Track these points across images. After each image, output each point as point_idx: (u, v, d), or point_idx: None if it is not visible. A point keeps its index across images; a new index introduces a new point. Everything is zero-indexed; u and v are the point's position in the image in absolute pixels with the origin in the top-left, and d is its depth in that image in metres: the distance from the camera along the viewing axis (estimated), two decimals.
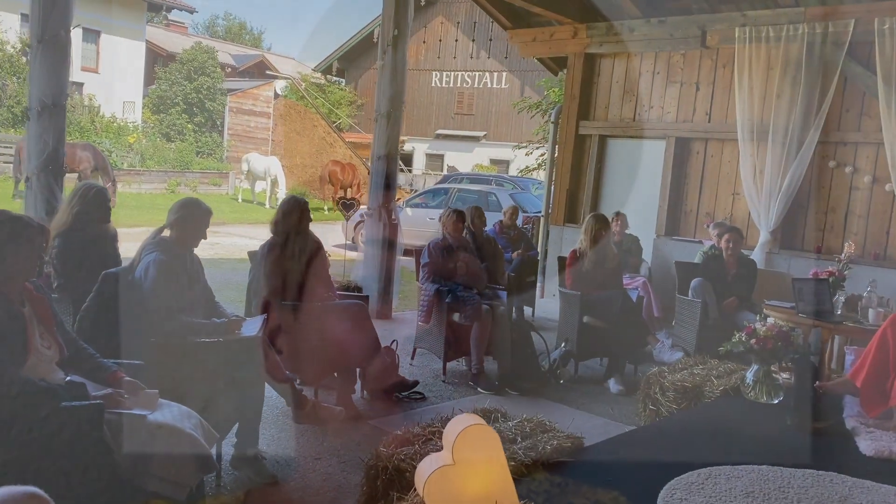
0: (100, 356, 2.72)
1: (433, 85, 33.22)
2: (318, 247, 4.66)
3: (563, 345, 5.67)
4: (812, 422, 3.78)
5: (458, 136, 31.93)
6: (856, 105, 7.33)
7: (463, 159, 30.43)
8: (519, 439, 3.20)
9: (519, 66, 31.40)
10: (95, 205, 4.01)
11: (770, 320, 4.30)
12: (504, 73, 31.92)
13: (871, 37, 6.99)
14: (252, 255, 4.56)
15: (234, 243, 13.02)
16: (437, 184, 14.23)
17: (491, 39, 31.93)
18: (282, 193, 19.95)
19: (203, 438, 2.60)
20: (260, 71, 33.93)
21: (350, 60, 35.47)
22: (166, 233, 3.57)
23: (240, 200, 20.83)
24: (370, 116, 35.68)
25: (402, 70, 7.12)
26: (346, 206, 8.60)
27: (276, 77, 30.41)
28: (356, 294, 5.39)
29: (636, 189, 8.77)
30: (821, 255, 7.39)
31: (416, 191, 27.36)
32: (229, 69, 31.52)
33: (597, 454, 3.29)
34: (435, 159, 32.56)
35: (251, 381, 3.42)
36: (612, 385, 5.39)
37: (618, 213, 7.74)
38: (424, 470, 2.47)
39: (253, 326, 3.61)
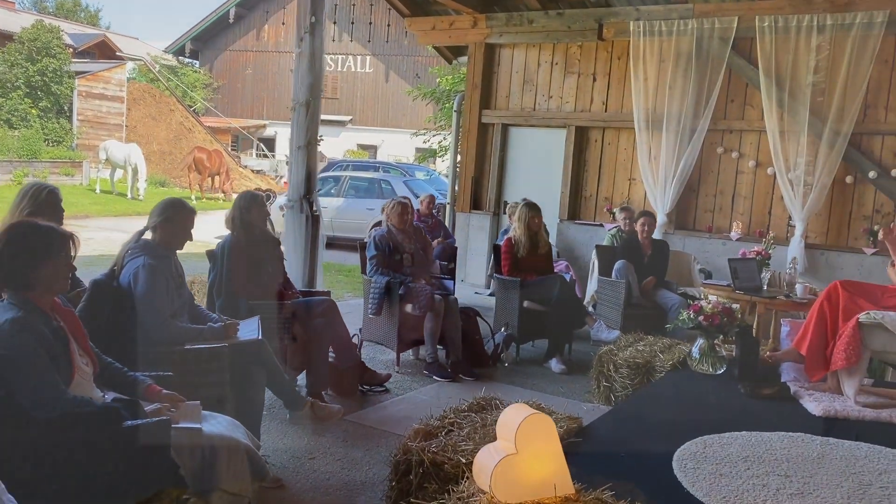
0: (128, 369, 2.56)
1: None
2: (277, 243, 4.55)
3: (502, 329, 5.86)
4: (761, 389, 4.20)
5: (323, 120, 31.37)
6: (740, 95, 8.02)
7: (330, 144, 29.94)
8: None
9: (383, 51, 31.36)
10: (48, 206, 3.69)
11: (713, 298, 4.70)
12: (368, 57, 31.75)
13: (752, 33, 7.67)
14: (211, 254, 4.37)
15: (108, 238, 12.21)
16: (323, 171, 14.00)
17: (353, 23, 31.64)
18: (143, 183, 18.85)
19: (253, 446, 2.53)
20: (102, 52, 31.58)
21: (204, 41, 33.92)
22: (148, 235, 3.38)
23: (98, 191, 19.45)
24: (228, 100, 34.30)
25: (320, 57, 6.99)
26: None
27: (124, 59, 28.49)
28: (319, 291, 5.29)
29: (539, 176, 9.12)
30: (712, 234, 8.08)
31: (281, 177, 26.71)
32: (70, 49, 29.18)
33: (598, 433, 3.49)
34: None
35: (254, 384, 3.33)
36: (555, 365, 5.65)
37: (524, 200, 8.05)
38: (486, 461, 2.55)
39: (250, 328, 3.50)
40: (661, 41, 8.17)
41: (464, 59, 10.66)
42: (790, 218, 7.68)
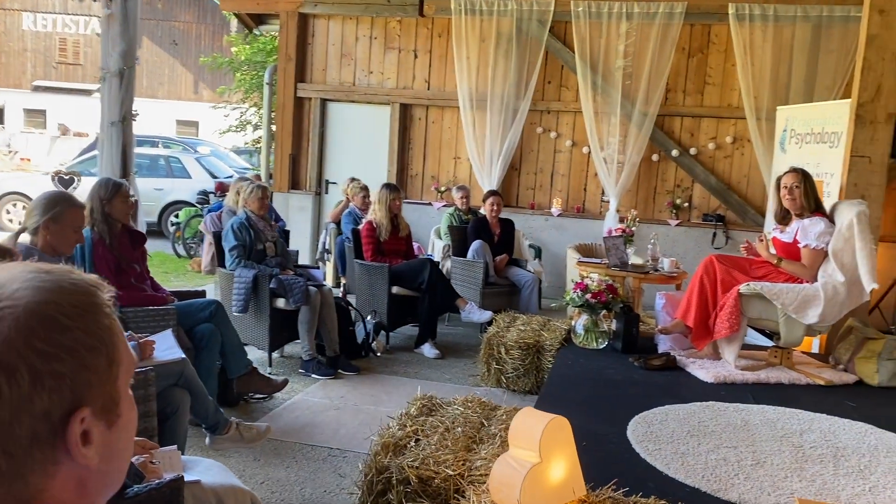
0: None
1: (25, 28, 28.39)
2: (143, 238, 3.88)
3: (369, 317, 5.61)
4: (651, 360, 4.44)
5: (65, 88, 27.90)
6: (556, 77, 8.39)
7: (78, 116, 26.72)
8: (484, 422, 3.19)
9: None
10: None
11: (594, 276, 4.86)
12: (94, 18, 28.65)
13: (568, 17, 8.04)
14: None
15: None
16: (89, 149, 12.36)
17: None
18: None
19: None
20: None
21: None
22: (25, 238, 2.68)
23: None
24: None
25: (134, 21, 6.07)
26: (65, 181, 7.08)
27: None
28: (194, 291, 4.58)
29: (363, 154, 8.85)
30: (534, 210, 8.42)
31: (15, 151, 23.30)
32: None
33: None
34: (36, 115, 28.03)
35: (181, 410, 2.79)
36: (428, 350, 5.53)
37: (352, 179, 7.77)
38: (509, 475, 2.38)
39: (167, 345, 2.91)
40: (482, 20, 8.27)
41: (266, 27, 9.99)
42: (604, 193, 8.24)
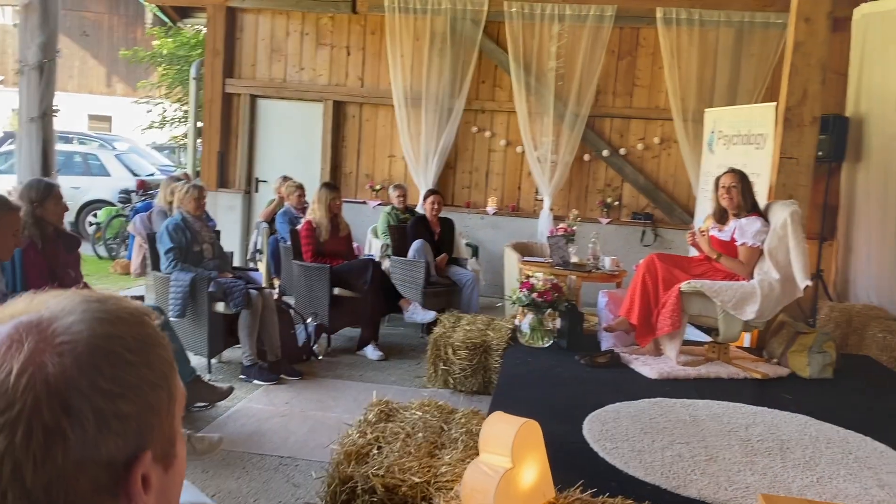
0: None
1: None
2: (77, 242, 3.68)
3: (309, 320, 5.49)
4: (596, 358, 4.51)
5: None
6: (490, 77, 8.42)
7: None
8: (444, 427, 3.16)
9: None
10: None
11: (539, 275, 4.90)
12: (8, 8, 27.13)
13: (502, 17, 8.08)
14: None
15: None
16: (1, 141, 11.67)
17: None
18: None
19: None
20: None
21: None
22: None
23: None
24: None
25: (55, 11, 5.73)
26: None
27: None
28: (134, 295, 4.35)
29: (295, 151, 8.67)
30: (470, 209, 8.44)
31: None
32: None
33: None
34: None
35: None
36: (371, 352, 5.45)
37: (285, 177, 7.62)
38: (482, 481, 2.36)
39: None
40: (416, 19, 8.22)
41: (191, 20, 9.67)
42: (537, 192, 8.34)
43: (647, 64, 8.18)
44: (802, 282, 4.26)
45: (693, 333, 5.44)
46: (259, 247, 7.64)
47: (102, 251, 9.23)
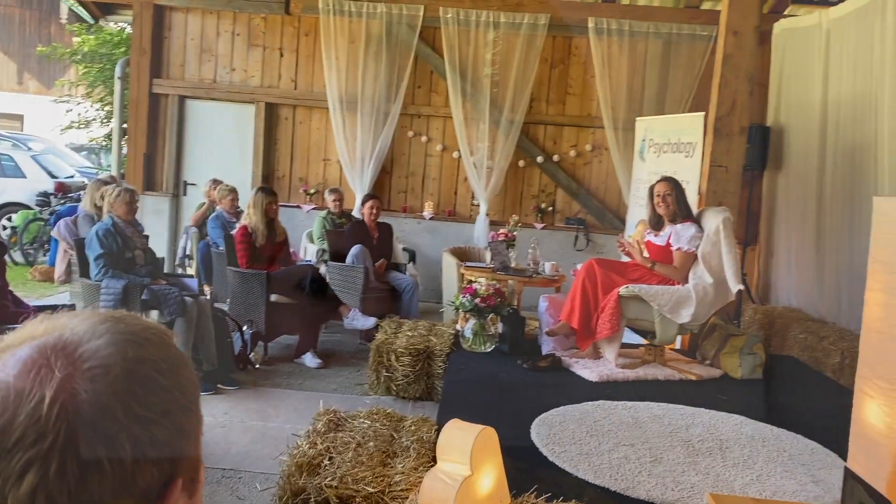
0: None
1: None
2: (3, 248, 3.48)
3: (245, 327, 5.36)
4: (538, 362, 4.57)
5: None
6: (426, 82, 8.43)
7: None
8: (395, 435, 3.13)
9: None
10: None
11: (482, 280, 4.93)
12: None
13: (438, 23, 8.10)
14: None
15: None
16: None
17: None
18: None
19: None
20: None
21: None
22: None
23: None
24: None
25: None
26: None
27: None
28: (66, 304, 4.13)
29: (226, 154, 8.45)
30: (407, 213, 8.42)
31: None
32: None
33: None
34: None
35: None
36: (310, 360, 5.36)
37: (215, 180, 7.45)
38: (441, 489, 2.35)
39: None
40: (352, 21, 8.16)
41: (115, 17, 9.33)
42: (473, 197, 8.39)
43: (580, 73, 8.34)
44: (735, 286, 4.42)
45: (629, 336, 5.57)
46: (188, 252, 7.42)
47: (19, 257, 8.76)
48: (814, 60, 6.26)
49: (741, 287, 4.46)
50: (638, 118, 7.40)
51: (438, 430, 3.30)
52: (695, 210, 4.96)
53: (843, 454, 3.21)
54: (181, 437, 0.62)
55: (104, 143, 13.63)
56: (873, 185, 5.16)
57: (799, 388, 4.60)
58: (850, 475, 2.10)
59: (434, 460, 2.90)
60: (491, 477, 2.43)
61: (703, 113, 6.00)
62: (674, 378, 4.54)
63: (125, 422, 0.57)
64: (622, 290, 4.49)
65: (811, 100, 6.46)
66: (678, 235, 4.60)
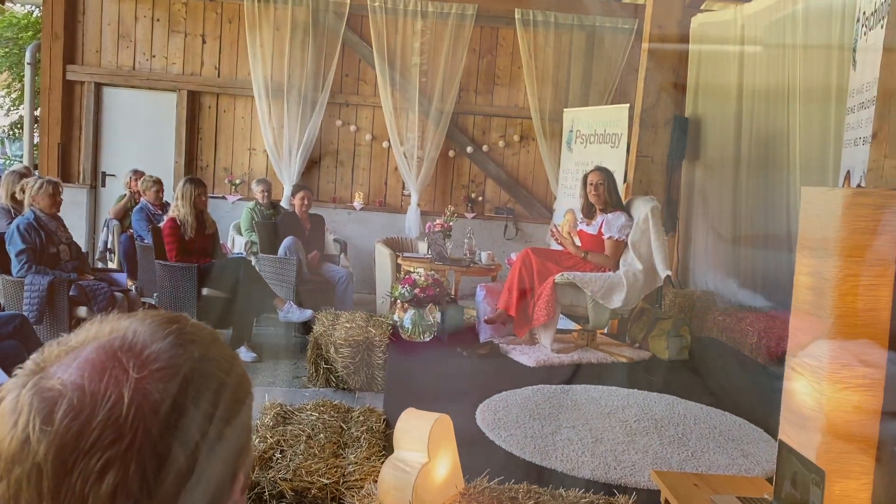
0: None
1: None
2: None
3: None
4: (477, 350, 4.65)
5: None
6: (354, 71, 8.37)
7: None
8: (343, 426, 3.15)
9: None
10: None
11: (421, 270, 4.96)
12: None
13: (364, 11, 8.05)
14: None
15: None
16: None
17: None
18: None
19: None
20: None
21: None
22: None
23: None
24: None
25: None
26: None
27: None
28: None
29: (146, 144, 8.17)
30: (336, 204, 8.36)
31: None
32: None
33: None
34: None
35: None
36: (244, 354, 5.27)
37: (136, 171, 7.21)
38: (399, 477, 2.39)
39: None
40: (276, 8, 8.01)
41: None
42: (404, 187, 8.41)
43: (507, 63, 8.45)
44: (663, 271, 4.61)
45: (562, 322, 5.72)
46: (110, 246, 7.16)
47: None
48: (729, 53, 6.55)
49: (669, 272, 4.66)
50: (565, 109, 7.57)
51: (386, 420, 3.35)
52: (627, 199, 5.14)
53: (768, 429, 3.43)
54: (245, 433, 0.63)
55: (12, 133, 12.95)
56: (786, 173, 5.46)
57: (723, 368, 4.84)
58: (784, 447, 2.25)
59: (385, 449, 2.94)
60: (447, 463, 2.48)
61: (629, 104, 6.21)
62: (606, 361, 4.70)
63: (199, 420, 0.58)
64: (557, 277, 4.61)
65: (727, 91, 6.76)
66: (609, 224, 4.75)
